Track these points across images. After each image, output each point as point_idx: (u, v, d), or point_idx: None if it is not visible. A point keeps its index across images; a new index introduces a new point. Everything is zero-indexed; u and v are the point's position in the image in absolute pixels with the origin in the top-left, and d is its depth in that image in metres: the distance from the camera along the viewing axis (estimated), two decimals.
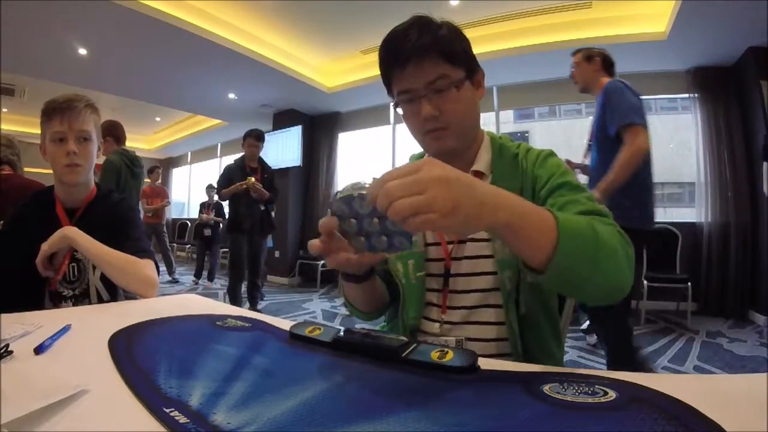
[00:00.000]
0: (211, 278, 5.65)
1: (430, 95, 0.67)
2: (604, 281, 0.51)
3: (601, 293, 0.54)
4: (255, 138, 3.53)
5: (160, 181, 6.29)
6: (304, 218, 6.06)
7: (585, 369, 0.48)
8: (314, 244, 0.53)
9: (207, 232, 5.52)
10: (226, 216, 5.99)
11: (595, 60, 2.08)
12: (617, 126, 1.84)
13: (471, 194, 0.42)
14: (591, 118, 2.16)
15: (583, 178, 2.17)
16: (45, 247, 0.93)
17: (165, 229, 5.98)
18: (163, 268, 5.68)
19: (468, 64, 0.70)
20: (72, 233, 0.95)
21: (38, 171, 2.46)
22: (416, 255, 0.75)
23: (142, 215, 5.24)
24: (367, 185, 0.45)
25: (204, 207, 5.79)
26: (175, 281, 5.61)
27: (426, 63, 0.66)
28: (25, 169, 2.11)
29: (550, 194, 0.67)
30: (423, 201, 0.39)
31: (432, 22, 0.68)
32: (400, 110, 0.73)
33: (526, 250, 0.48)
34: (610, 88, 1.94)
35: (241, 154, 3.66)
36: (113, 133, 2.85)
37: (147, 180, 5.51)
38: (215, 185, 5.98)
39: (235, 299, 3.49)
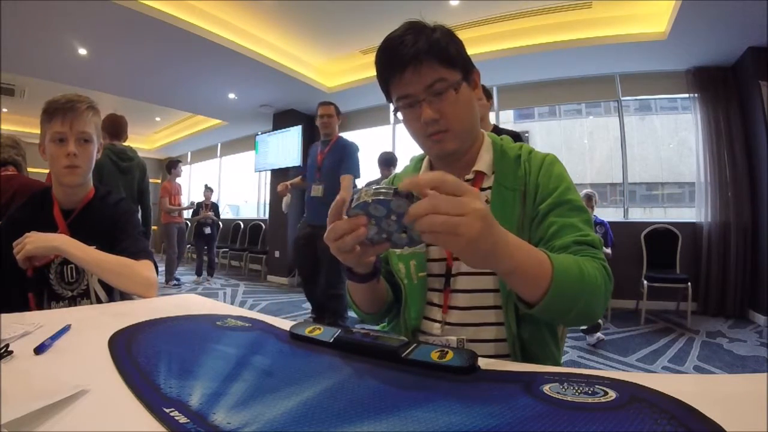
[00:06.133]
0: (211, 273, 5.92)
1: (430, 99, 0.67)
2: (578, 315, 0.60)
3: (574, 323, 0.67)
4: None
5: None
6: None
7: (585, 369, 0.48)
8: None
9: (207, 230, 5.79)
10: (221, 216, 6.15)
11: None
12: None
13: (492, 234, 0.46)
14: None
15: None
16: (30, 247, 0.89)
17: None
18: (163, 268, 5.68)
19: (464, 66, 0.70)
20: (64, 245, 0.92)
21: (39, 171, 2.44)
22: (418, 255, 0.75)
23: (161, 215, 5.28)
24: (383, 189, 0.47)
25: (201, 207, 5.96)
26: (175, 281, 5.61)
27: (423, 67, 0.66)
28: (28, 170, 2.10)
29: (552, 209, 0.68)
30: (458, 222, 0.43)
31: (425, 26, 0.68)
32: (400, 115, 0.73)
33: (523, 292, 0.56)
34: None
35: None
36: (106, 128, 2.63)
37: (168, 176, 5.57)
38: (210, 186, 6.10)
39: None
